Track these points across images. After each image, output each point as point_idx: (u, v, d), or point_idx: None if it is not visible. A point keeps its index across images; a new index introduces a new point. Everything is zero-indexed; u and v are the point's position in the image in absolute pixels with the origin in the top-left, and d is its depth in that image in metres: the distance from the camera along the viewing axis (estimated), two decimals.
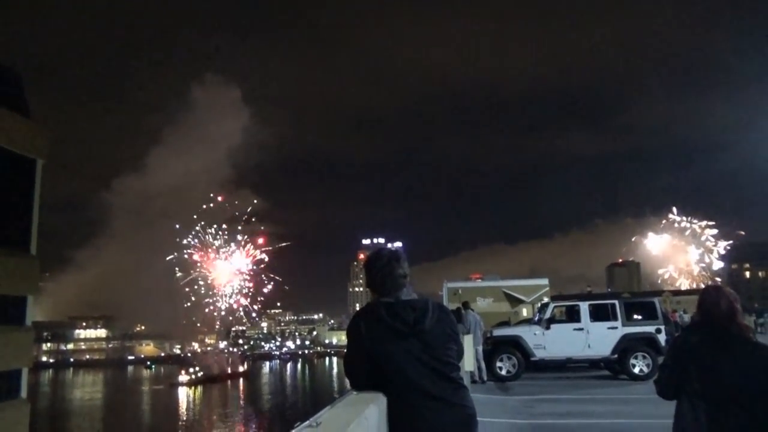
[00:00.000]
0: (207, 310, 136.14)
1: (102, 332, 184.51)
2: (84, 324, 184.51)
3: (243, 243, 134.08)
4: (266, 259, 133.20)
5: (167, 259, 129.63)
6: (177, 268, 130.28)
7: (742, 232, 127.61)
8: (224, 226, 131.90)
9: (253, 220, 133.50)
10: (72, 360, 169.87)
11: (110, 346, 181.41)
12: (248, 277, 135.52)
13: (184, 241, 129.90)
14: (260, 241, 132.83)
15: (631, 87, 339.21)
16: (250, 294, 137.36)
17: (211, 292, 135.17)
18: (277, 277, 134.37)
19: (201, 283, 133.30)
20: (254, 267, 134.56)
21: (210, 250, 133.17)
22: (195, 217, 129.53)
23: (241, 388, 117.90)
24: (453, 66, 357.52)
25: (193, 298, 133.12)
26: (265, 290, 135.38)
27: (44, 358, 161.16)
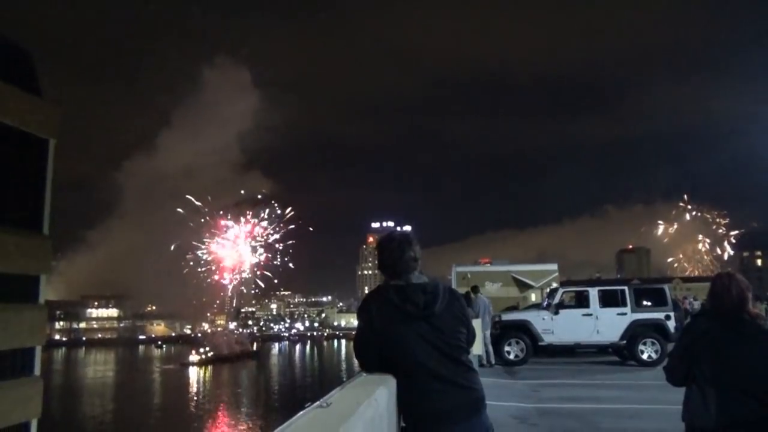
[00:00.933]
0: (219, 292, 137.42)
1: (114, 311, 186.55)
2: (96, 303, 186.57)
3: (259, 223, 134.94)
4: (279, 246, 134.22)
5: (177, 240, 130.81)
6: (197, 250, 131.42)
7: (755, 224, 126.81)
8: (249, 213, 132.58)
9: (274, 203, 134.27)
10: (84, 338, 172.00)
11: (122, 325, 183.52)
12: (261, 257, 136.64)
13: (192, 223, 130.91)
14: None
15: (645, 73, 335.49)
16: (261, 274, 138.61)
17: (216, 273, 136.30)
18: (288, 261, 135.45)
19: (210, 262, 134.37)
20: (270, 247, 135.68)
21: (221, 230, 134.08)
22: (210, 198, 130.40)
23: (251, 368, 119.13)
24: (465, 51, 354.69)
25: (208, 280, 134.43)
26: (275, 268, 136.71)
27: (57, 336, 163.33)
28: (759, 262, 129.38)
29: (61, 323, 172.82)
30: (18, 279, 24.71)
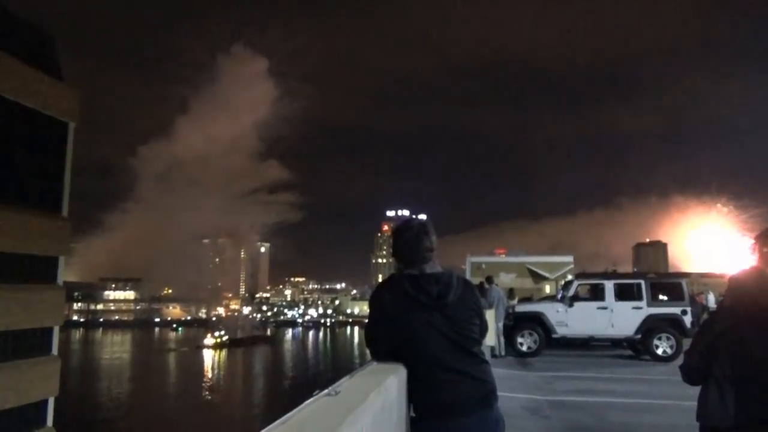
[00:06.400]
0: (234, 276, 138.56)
1: (131, 294, 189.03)
2: (113, 286, 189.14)
3: None
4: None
5: (194, 225, 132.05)
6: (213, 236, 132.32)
7: None
8: None
9: None
10: (101, 320, 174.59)
11: (138, 307, 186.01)
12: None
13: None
14: None
15: (666, 66, 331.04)
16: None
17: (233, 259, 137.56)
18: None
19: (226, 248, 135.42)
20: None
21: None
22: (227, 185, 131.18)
23: (265, 353, 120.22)
24: (486, 39, 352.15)
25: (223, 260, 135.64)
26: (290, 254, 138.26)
27: (75, 317, 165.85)
28: None
29: (79, 304, 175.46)
30: (38, 260, 25.12)
